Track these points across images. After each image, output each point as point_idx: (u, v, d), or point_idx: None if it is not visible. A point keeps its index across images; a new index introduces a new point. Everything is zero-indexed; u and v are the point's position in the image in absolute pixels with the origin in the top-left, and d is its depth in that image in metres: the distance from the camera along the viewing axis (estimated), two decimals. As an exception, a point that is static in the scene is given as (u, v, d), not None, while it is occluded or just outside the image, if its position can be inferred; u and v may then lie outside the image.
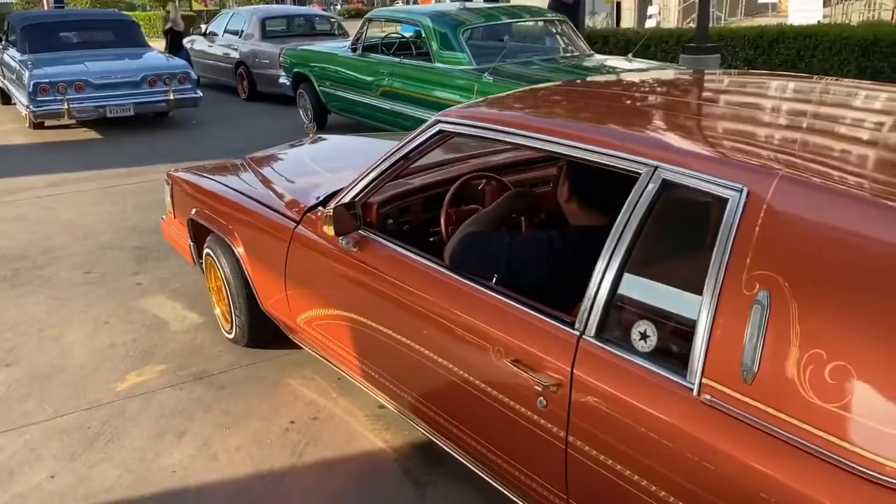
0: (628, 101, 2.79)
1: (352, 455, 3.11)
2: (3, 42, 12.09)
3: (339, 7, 47.72)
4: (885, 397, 1.49)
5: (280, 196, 3.50)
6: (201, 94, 10.64)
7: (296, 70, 9.72)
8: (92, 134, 10.15)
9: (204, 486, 2.96)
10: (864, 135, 2.25)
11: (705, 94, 2.91)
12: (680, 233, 2.07)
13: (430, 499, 2.84)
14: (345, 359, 3.07)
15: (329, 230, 2.79)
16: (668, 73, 5.04)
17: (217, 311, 4.13)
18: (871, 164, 2.00)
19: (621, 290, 1.97)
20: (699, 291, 1.78)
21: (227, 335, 4.05)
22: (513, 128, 2.47)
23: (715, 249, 1.77)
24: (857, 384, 1.52)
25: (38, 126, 10.24)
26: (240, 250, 3.59)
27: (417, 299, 2.54)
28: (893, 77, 9.83)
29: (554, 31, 8.12)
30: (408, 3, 37.55)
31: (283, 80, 10.28)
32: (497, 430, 2.27)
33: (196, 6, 26.49)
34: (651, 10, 28.82)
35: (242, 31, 13.07)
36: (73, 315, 4.51)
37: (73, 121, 10.23)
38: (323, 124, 9.48)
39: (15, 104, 11.16)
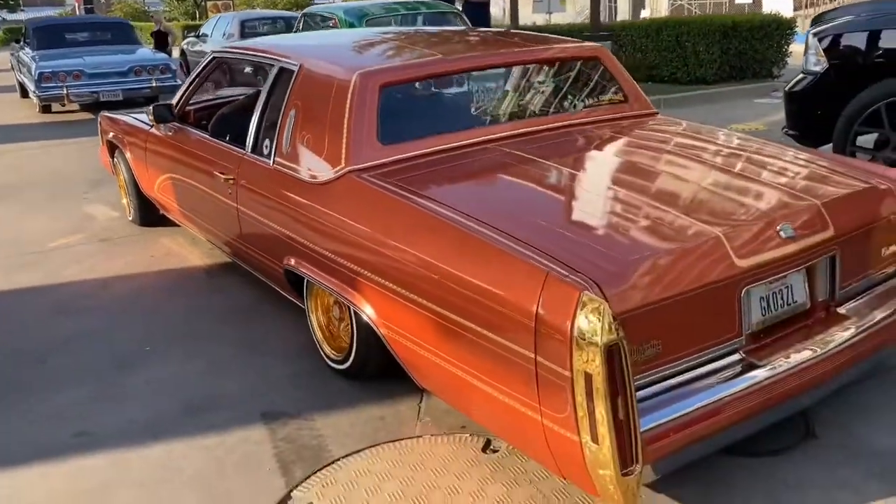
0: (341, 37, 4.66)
1: (184, 268, 5.01)
2: (21, 43, 14.33)
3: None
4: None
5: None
6: (181, 83, 12.68)
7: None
8: (88, 115, 12.25)
9: (90, 280, 4.88)
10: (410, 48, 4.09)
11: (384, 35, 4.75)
12: (280, 96, 3.93)
13: (217, 282, 4.71)
14: (174, 209, 4.98)
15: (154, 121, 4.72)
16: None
17: (124, 201, 6.07)
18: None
19: (259, 132, 3.85)
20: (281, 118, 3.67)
21: (129, 219, 5.99)
22: (250, 52, 4.36)
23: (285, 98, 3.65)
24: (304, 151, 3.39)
25: (45, 110, 12.43)
26: (128, 155, 5.52)
27: (195, 157, 4.43)
28: (750, 55, 11.59)
29: (444, 20, 9.99)
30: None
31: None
32: (216, 212, 4.18)
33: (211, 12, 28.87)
34: (644, 12, 30.47)
35: (226, 32, 15.17)
36: (36, 214, 6.51)
37: (74, 104, 12.32)
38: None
39: (30, 96, 13.34)
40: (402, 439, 2.98)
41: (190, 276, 4.94)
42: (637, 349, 2.34)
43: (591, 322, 2.14)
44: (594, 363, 2.12)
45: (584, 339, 2.13)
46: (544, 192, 3.12)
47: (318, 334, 3.60)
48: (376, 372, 3.32)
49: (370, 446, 2.94)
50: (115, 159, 5.92)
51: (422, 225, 2.84)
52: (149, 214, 5.83)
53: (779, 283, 2.71)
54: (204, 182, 4.33)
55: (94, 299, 4.62)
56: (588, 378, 2.15)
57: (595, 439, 2.18)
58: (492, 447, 2.88)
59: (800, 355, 2.64)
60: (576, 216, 2.95)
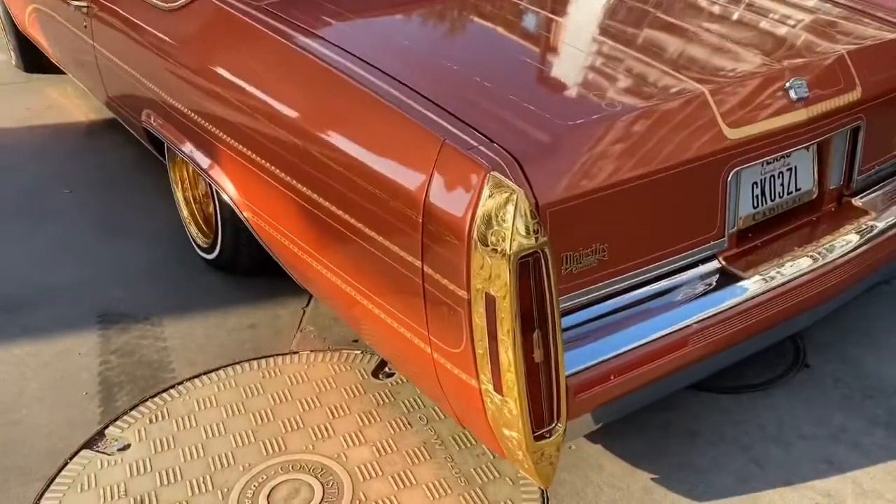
0: None
1: (62, 125, 4.15)
2: None
3: None
4: None
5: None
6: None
7: None
8: None
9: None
10: None
11: None
12: None
13: (95, 142, 3.88)
14: (46, 49, 4.05)
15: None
16: None
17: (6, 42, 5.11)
18: None
19: None
20: None
21: (13, 63, 5.04)
22: None
23: None
24: None
25: None
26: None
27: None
28: None
29: None
30: None
31: None
32: (74, 50, 3.33)
33: None
34: None
35: None
36: None
37: None
38: None
39: None
40: (269, 356, 2.27)
41: (65, 134, 4.07)
42: (572, 257, 1.61)
43: (500, 219, 1.39)
44: (500, 281, 1.39)
45: (488, 245, 1.39)
46: (474, 35, 2.29)
47: (185, 212, 2.82)
48: (252, 265, 2.59)
49: (226, 365, 2.23)
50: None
51: (292, 68, 2.02)
52: (34, 59, 4.87)
53: (779, 164, 1.96)
54: (61, 13, 3.42)
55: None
56: (491, 302, 1.42)
57: (498, 388, 1.48)
58: (386, 370, 2.19)
59: (798, 264, 1.93)
60: (511, 67, 2.10)
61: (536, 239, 1.38)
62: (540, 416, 1.50)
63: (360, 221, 1.75)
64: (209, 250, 2.67)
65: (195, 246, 2.77)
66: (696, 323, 1.72)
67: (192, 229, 2.78)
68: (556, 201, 1.53)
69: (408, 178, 1.58)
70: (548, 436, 1.52)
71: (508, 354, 1.43)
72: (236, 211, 2.28)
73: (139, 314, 2.49)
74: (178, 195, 2.80)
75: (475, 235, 1.41)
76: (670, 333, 1.69)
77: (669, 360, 1.69)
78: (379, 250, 1.70)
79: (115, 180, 3.44)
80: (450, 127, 1.57)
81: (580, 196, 1.57)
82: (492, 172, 1.42)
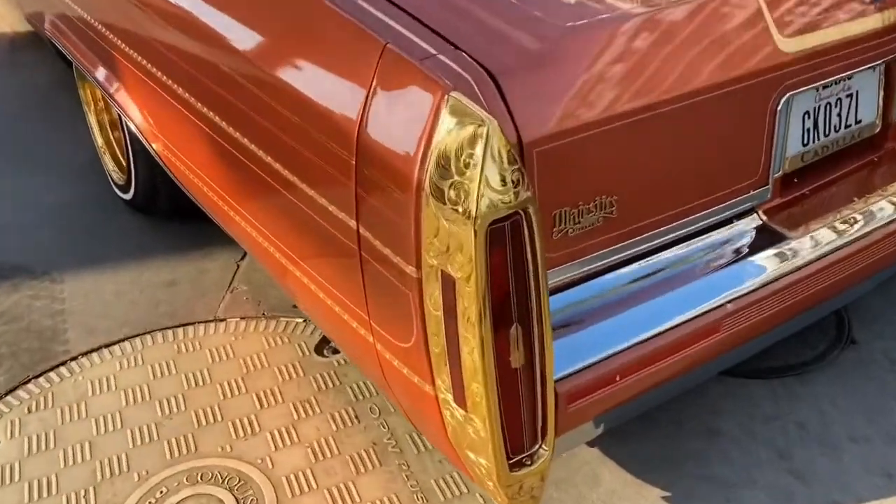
0: None
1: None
2: None
3: None
4: None
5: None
6: None
7: None
8: None
9: None
10: None
11: None
12: None
13: (20, 56, 3.35)
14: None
15: None
16: None
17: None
18: None
19: None
20: None
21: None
22: None
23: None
24: None
25: None
26: None
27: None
28: None
29: None
30: None
31: None
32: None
33: None
34: None
35: None
36: None
37: None
38: None
39: None
40: (188, 324, 1.83)
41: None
42: (567, 215, 1.16)
43: (463, 163, 0.94)
44: (463, 256, 0.95)
45: (446, 203, 0.94)
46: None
47: (99, 139, 2.34)
48: (173, 207, 2.12)
49: (132, 336, 1.80)
50: None
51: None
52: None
53: (838, 89, 1.50)
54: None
55: None
56: (450, 284, 0.98)
57: (461, 401, 1.05)
58: (332, 345, 1.76)
59: (857, 217, 1.49)
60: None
61: (516, 195, 0.93)
62: (518, 439, 1.08)
63: (281, 163, 1.29)
64: (125, 188, 2.20)
65: (112, 183, 2.30)
66: (730, 301, 1.29)
67: (108, 162, 2.30)
68: (545, 137, 1.08)
69: (337, 101, 1.12)
70: (528, 463, 1.10)
71: (474, 357, 1.00)
72: (144, 142, 1.81)
73: (37, 268, 2.03)
74: (91, 119, 2.31)
75: (427, 187, 0.96)
76: (698, 316, 1.26)
77: (695, 351, 1.27)
78: (305, 203, 1.24)
79: (36, 102, 2.94)
80: (397, 26, 1.10)
81: (580, 129, 1.11)
82: (452, 93, 0.96)
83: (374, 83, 1.06)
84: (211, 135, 1.50)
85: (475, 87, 1.02)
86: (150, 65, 1.67)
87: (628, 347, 1.19)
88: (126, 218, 2.22)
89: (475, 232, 0.92)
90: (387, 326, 1.15)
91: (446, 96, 0.96)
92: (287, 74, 1.23)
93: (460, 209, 0.92)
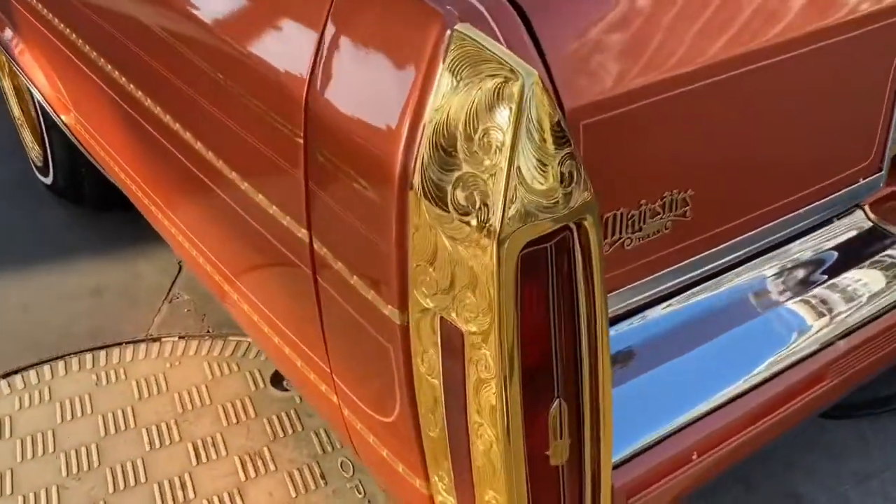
0: None
1: None
2: None
3: None
4: None
5: None
6: None
7: None
8: None
9: None
10: None
11: None
12: None
13: None
14: None
15: None
16: None
17: None
18: None
19: None
20: None
21: None
22: None
23: None
24: None
25: None
26: None
27: None
28: None
29: None
30: None
31: None
32: None
33: None
34: None
35: None
36: None
37: None
38: None
39: None
40: (112, 345, 1.45)
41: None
42: (624, 218, 0.79)
43: (480, 146, 0.56)
44: (477, 297, 0.57)
45: (450, 210, 0.57)
46: None
47: (16, 110, 1.93)
48: (99, 194, 1.72)
49: (38, 363, 1.42)
50: None
51: None
52: None
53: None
54: None
55: None
56: (455, 339, 0.61)
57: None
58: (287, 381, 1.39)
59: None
60: None
61: (568, 198, 0.56)
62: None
63: (206, 144, 0.90)
64: (44, 170, 1.81)
65: (32, 163, 1.90)
66: (842, 337, 0.92)
67: (27, 137, 1.89)
68: (597, 104, 0.70)
69: (276, 51, 0.74)
70: None
71: (492, 454, 0.63)
72: (52, 114, 1.42)
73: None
74: (6, 84, 1.91)
75: (416, 183, 0.58)
76: (801, 360, 0.89)
77: (797, 407, 0.90)
78: (240, 203, 0.86)
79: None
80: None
81: (647, 92, 0.73)
82: (458, 26, 0.58)
83: (328, 18, 0.68)
84: (125, 108, 1.11)
85: (492, 24, 0.64)
86: (56, 20, 1.28)
87: (710, 411, 0.82)
88: (49, 209, 1.82)
89: (499, 259, 0.55)
90: (357, 389, 0.77)
91: (448, 31, 0.58)
92: (209, 16, 0.84)
93: (474, 221, 0.55)
